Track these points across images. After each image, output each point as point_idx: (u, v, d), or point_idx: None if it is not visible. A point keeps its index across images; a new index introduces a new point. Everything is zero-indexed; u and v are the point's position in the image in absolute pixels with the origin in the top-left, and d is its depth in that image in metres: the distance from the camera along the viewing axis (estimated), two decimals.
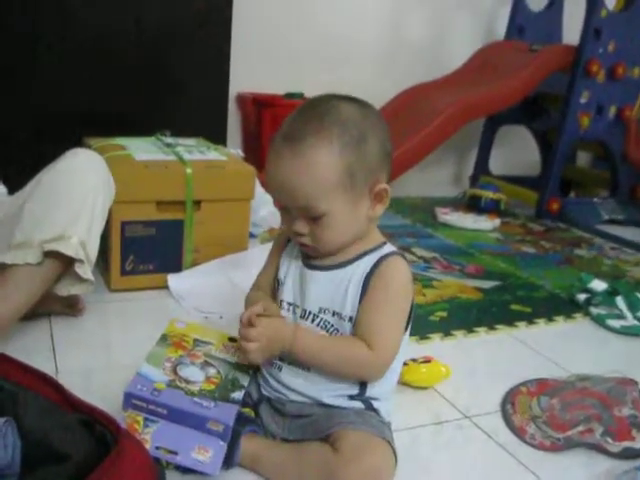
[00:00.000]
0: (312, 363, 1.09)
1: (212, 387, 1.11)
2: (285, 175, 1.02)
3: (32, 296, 1.38)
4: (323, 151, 1.00)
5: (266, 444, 1.11)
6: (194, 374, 1.13)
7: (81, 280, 1.45)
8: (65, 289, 1.47)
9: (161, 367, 1.13)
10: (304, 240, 1.08)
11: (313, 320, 1.11)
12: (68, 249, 1.37)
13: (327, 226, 1.05)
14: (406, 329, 1.14)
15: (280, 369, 1.14)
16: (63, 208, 1.41)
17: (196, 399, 1.07)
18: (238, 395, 1.12)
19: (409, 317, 1.13)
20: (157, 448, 1.01)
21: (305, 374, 1.12)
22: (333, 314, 1.10)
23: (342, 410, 1.10)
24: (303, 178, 1.01)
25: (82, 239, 1.40)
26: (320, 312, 1.11)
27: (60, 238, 1.37)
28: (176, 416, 1.04)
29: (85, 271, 1.43)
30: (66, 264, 1.42)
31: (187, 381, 1.11)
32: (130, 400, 1.04)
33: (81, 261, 1.41)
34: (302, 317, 1.12)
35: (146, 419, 1.04)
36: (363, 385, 1.12)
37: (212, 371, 1.16)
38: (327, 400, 1.11)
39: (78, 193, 1.43)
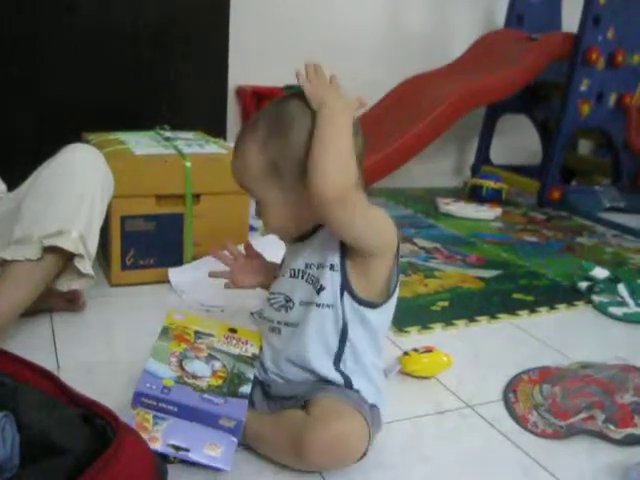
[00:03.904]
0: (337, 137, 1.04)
1: (220, 382, 1.11)
2: (232, 161, 1.15)
3: (32, 292, 1.38)
4: (249, 146, 1.10)
5: (249, 415, 1.11)
6: (201, 369, 1.13)
7: (81, 275, 1.45)
8: (65, 284, 1.47)
9: (167, 362, 1.12)
10: (263, 224, 1.18)
11: (302, 276, 1.15)
12: (68, 244, 1.37)
13: (266, 211, 1.14)
14: (393, 290, 1.14)
15: (279, 332, 1.17)
16: (62, 203, 1.41)
17: (206, 395, 1.06)
18: (246, 389, 1.12)
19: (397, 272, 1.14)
20: (168, 445, 1.01)
21: (300, 332, 1.14)
22: (317, 267, 1.13)
23: (324, 384, 1.12)
24: (237, 165, 1.13)
25: (82, 234, 1.40)
26: (307, 267, 1.15)
27: (60, 233, 1.37)
28: (187, 413, 1.04)
29: (85, 266, 1.43)
30: (66, 259, 1.42)
31: (194, 376, 1.11)
32: (139, 399, 1.04)
33: (81, 256, 1.41)
34: (292, 276, 1.17)
35: (155, 417, 1.04)
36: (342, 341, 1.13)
37: (217, 365, 1.16)
38: (314, 362, 1.12)
39: (77, 188, 1.43)
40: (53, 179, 1.43)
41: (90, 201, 1.44)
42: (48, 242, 1.36)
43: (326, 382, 1.13)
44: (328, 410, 1.04)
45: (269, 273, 1.32)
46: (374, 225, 1.08)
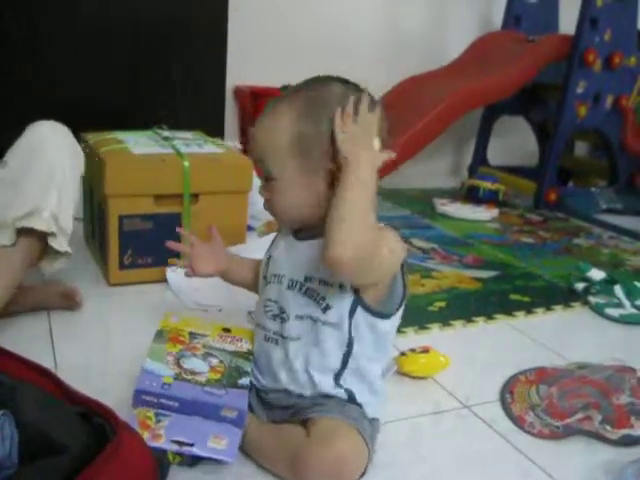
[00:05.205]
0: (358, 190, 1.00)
1: (218, 376, 1.12)
2: (255, 130, 1.11)
3: (13, 278, 1.37)
4: (284, 116, 1.07)
5: (249, 421, 1.10)
6: (198, 365, 1.14)
7: (60, 254, 1.44)
8: (49, 266, 1.46)
9: (164, 361, 1.13)
10: (265, 205, 1.14)
11: (300, 289, 1.10)
12: (39, 223, 1.36)
13: (277, 191, 1.09)
14: (399, 308, 1.12)
15: (276, 343, 1.13)
16: (31, 183, 1.39)
17: (207, 388, 1.07)
18: (245, 381, 1.12)
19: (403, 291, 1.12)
20: (172, 442, 1.01)
21: (300, 347, 1.10)
22: (319, 282, 1.08)
23: (324, 399, 1.10)
24: (262, 134, 1.09)
25: (53, 212, 1.39)
26: (306, 281, 1.10)
27: (31, 214, 1.36)
28: (188, 407, 1.04)
29: (60, 243, 1.41)
30: (42, 239, 1.40)
31: (193, 372, 1.11)
32: (140, 397, 1.04)
33: (53, 234, 1.39)
34: (288, 287, 1.12)
35: (157, 414, 1.04)
36: (345, 361, 1.10)
37: (214, 361, 1.16)
38: (316, 379, 1.10)
39: (45, 166, 1.41)
40: (20, 160, 1.42)
41: (60, 177, 1.42)
42: (20, 224, 1.35)
43: (327, 397, 1.11)
44: (328, 432, 1.02)
45: (229, 260, 1.38)
46: (384, 268, 1.05)
